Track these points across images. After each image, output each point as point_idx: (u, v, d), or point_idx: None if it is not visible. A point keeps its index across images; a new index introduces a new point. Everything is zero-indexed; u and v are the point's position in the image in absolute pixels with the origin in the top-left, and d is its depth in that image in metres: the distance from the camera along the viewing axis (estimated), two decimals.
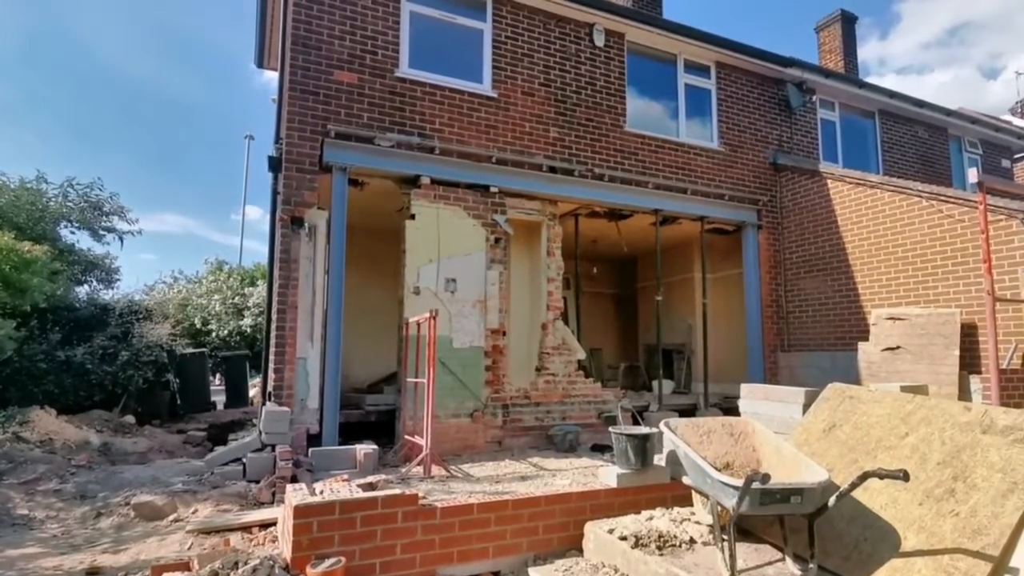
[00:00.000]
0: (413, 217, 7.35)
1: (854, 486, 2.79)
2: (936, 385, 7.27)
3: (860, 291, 8.77)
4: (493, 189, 7.82)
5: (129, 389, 8.29)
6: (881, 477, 2.72)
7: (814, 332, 9.44)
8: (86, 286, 11.90)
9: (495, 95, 8.01)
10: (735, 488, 2.82)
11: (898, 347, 7.79)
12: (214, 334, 15.80)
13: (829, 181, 9.30)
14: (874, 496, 3.21)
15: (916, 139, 12.08)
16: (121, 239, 12.50)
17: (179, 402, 10.14)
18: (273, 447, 5.63)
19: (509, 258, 8.49)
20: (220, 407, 11.83)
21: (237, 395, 12.00)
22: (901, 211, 8.27)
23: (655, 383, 10.00)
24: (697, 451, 3.53)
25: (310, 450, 6.23)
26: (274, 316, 6.64)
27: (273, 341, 6.57)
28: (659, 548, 3.37)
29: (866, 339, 8.22)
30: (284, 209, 6.71)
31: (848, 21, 13.99)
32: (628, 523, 3.70)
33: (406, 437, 6.77)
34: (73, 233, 12.12)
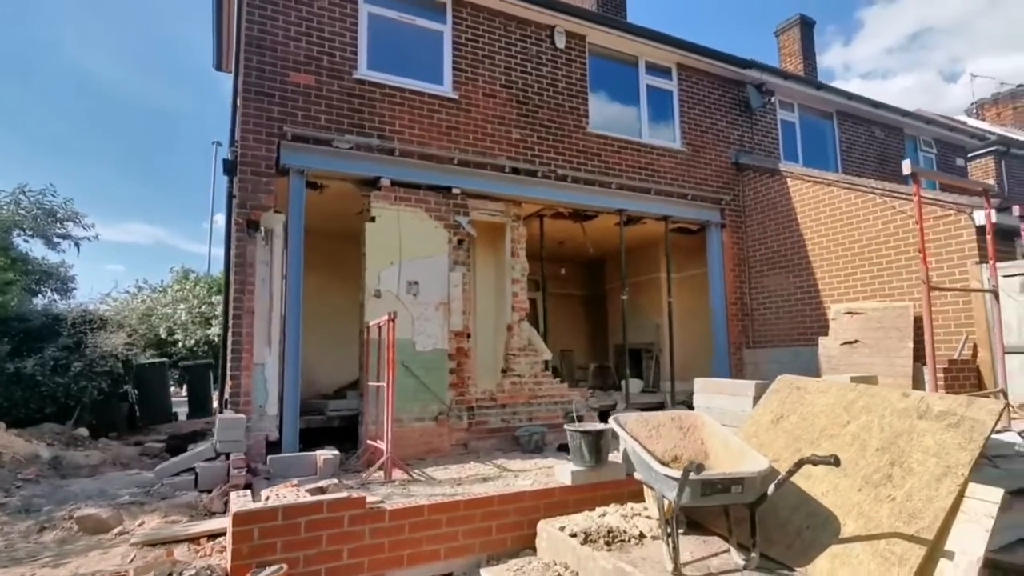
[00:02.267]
0: (373, 220, 7.27)
1: (790, 473, 2.81)
2: (892, 377, 7.43)
3: (820, 287, 8.93)
4: (455, 191, 7.78)
5: (83, 401, 8.02)
6: (815, 463, 2.75)
7: (777, 328, 9.58)
8: (41, 296, 11.53)
9: (456, 96, 7.98)
10: (676, 480, 2.82)
11: (856, 341, 7.94)
12: (180, 344, 15.44)
13: (789, 180, 9.47)
14: (816, 484, 3.24)
15: (873, 139, 12.39)
16: (77, 245, 12.16)
17: (138, 413, 9.86)
18: (228, 455, 5.49)
19: (473, 260, 8.45)
20: (183, 418, 11.54)
21: (200, 405, 11.71)
22: (857, 208, 8.45)
23: (624, 382, 10.04)
24: (646, 445, 3.53)
25: (269, 457, 6.09)
26: (230, 322, 6.50)
27: (229, 347, 6.43)
28: (608, 544, 3.36)
29: (826, 334, 8.37)
30: (239, 213, 6.58)
31: (807, 25, 14.31)
32: (580, 520, 3.68)
33: (368, 442, 6.67)
34: (27, 242, 11.76)
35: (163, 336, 15.57)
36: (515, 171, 8.25)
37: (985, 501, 2.64)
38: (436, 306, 7.49)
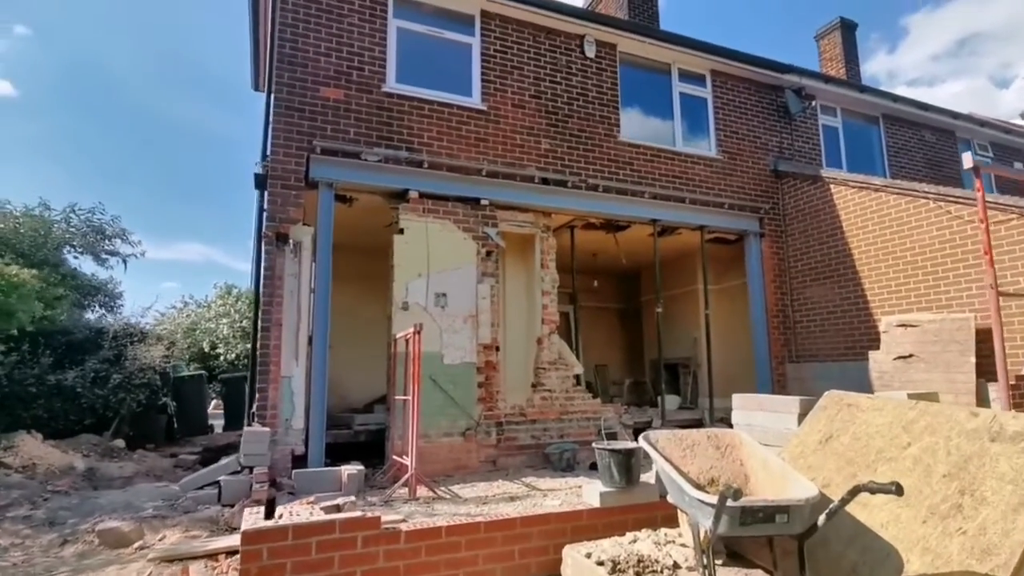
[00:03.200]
0: (402, 231, 7.21)
1: (844, 502, 2.52)
2: (952, 394, 6.90)
3: (869, 298, 8.44)
4: (484, 202, 7.67)
5: (120, 412, 8.17)
6: (872, 491, 2.45)
7: (823, 342, 9.09)
8: (90, 311, 11.92)
9: (485, 108, 7.91)
10: (712, 506, 2.56)
11: (911, 355, 7.43)
12: (222, 357, 15.80)
13: (832, 186, 9.04)
14: (874, 514, 2.92)
15: (923, 143, 11.78)
16: (125, 261, 12.56)
17: (176, 425, 10.00)
18: (252, 469, 5.43)
19: (503, 272, 8.32)
20: (219, 430, 11.68)
21: (236, 417, 11.83)
22: (908, 214, 7.97)
23: (660, 398, 9.69)
24: (679, 466, 3.28)
25: (293, 472, 6.01)
26: (259, 335, 6.50)
27: (257, 360, 6.42)
28: (638, 574, 3.10)
29: (877, 347, 7.87)
30: (269, 226, 6.61)
31: (848, 28, 13.82)
32: (607, 546, 3.43)
33: (394, 457, 6.54)
34: (76, 258, 12.20)
35: (206, 350, 15.96)
36: (544, 181, 8.09)
37: None
38: (464, 318, 7.35)
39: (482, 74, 8.01)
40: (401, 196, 7.30)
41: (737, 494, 2.34)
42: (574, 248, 9.22)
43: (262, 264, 6.55)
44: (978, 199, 3.46)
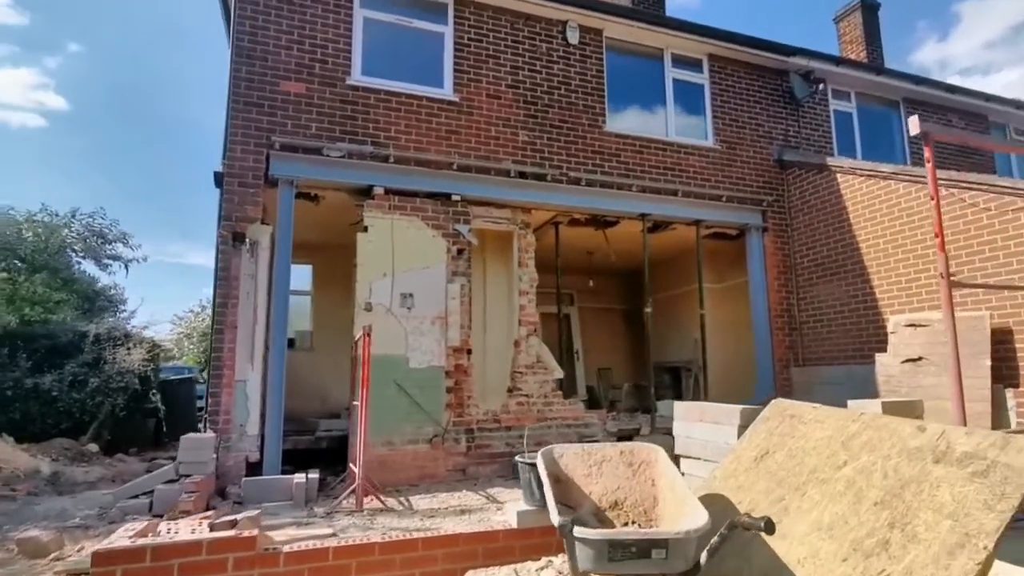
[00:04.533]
0: (366, 229, 6.93)
1: (723, 538, 2.07)
2: (966, 400, 6.19)
3: (878, 295, 7.74)
4: (455, 197, 7.33)
5: (98, 416, 8.13)
6: (746, 528, 1.99)
7: (830, 344, 8.41)
8: (92, 315, 12.06)
9: (457, 99, 7.57)
10: (579, 539, 2.15)
11: (920, 358, 6.74)
12: None
13: (839, 175, 8.36)
14: (793, 547, 2.44)
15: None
16: (126, 266, 12.70)
17: (164, 429, 9.98)
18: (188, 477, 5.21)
19: (483, 271, 8.02)
20: None
21: None
22: (918, 203, 7.27)
23: (662, 404, 9.17)
24: (583, 485, 2.86)
25: (243, 480, 5.79)
26: (213, 337, 6.31)
27: (211, 363, 6.22)
28: None
29: (885, 349, 7.19)
30: (225, 225, 6.41)
31: (869, 9, 12.95)
32: (506, 574, 3.02)
33: (350, 466, 6.24)
34: (79, 263, 12.39)
35: None
36: (522, 175, 7.70)
37: None
38: (432, 320, 7.02)
39: (455, 64, 7.68)
40: (366, 193, 7.03)
41: (576, 523, 1.93)
42: (559, 246, 8.79)
43: (217, 264, 6.36)
44: (928, 173, 2.90)
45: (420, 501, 5.79)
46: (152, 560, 2.90)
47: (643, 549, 2.13)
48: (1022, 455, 2.09)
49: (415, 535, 3.43)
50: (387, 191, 7.05)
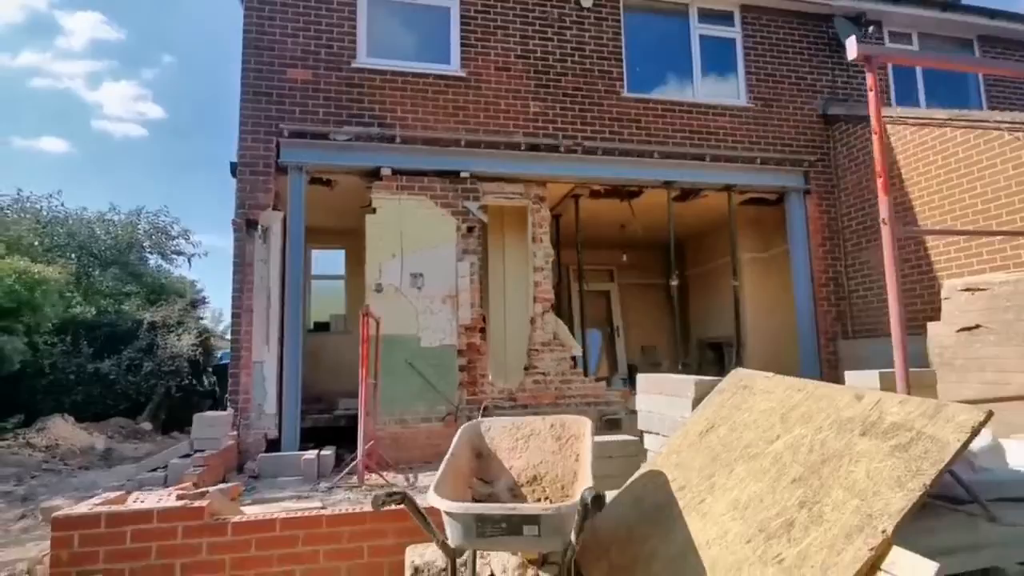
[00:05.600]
0: (374, 211, 6.99)
1: (583, 517, 1.88)
2: None
3: (932, 258, 6.97)
4: (464, 174, 7.24)
5: (153, 398, 8.78)
6: (583, 504, 1.80)
7: (881, 313, 7.66)
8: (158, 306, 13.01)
9: (464, 74, 7.44)
10: (448, 513, 2.04)
11: (977, 326, 5.99)
12: None
13: (888, 126, 7.53)
14: (708, 526, 2.21)
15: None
16: (189, 260, 13.59)
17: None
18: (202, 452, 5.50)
19: (501, 248, 7.97)
20: None
21: None
22: (977, 151, 6.43)
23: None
24: (506, 460, 2.73)
25: (259, 456, 6.07)
26: (232, 321, 6.60)
27: (230, 346, 6.52)
28: None
29: (939, 318, 6.46)
30: (238, 213, 6.67)
31: None
32: (433, 551, 2.95)
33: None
34: (149, 258, 13.38)
35: None
36: (533, 147, 7.49)
37: None
38: (443, 299, 7.01)
39: (462, 38, 7.54)
40: (375, 175, 7.08)
41: (491, 499, 1.83)
42: (578, 219, 8.50)
43: (232, 251, 6.63)
44: (871, 106, 2.42)
45: (427, 478, 5.82)
46: (107, 526, 3.06)
47: (514, 525, 1.98)
48: (949, 426, 1.77)
49: (366, 510, 3.43)
50: (394, 172, 7.07)
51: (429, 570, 2.70)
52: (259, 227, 6.65)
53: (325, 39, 7.15)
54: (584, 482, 2.31)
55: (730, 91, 8.39)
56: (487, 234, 8.35)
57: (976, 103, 9.31)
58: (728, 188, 8.20)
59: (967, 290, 6.22)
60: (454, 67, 7.47)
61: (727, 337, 10.21)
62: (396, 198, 7.04)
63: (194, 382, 9.62)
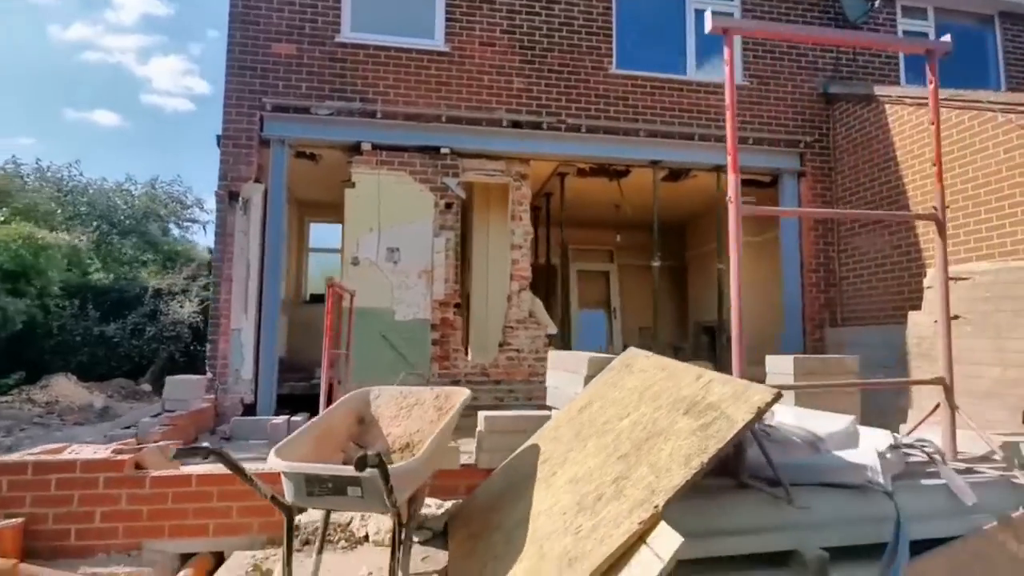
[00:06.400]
0: (353, 185, 7.09)
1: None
2: (1000, 367, 5.27)
3: (922, 245, 6.71)
4: (444, 150, 7.26)
5: (155, 361, 9.19)
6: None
7: (869, 302, 7.45)
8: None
9: (448, 49, 7.41)
10: (284, 473, 2.14)
11: (955, 316, 5.77)
12: None
13: (887, 106, 7.22)
14: (549, 497, 2.27)
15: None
16: (204, 228, 14.03)
17: None
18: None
19: (485, 224, 7.98)
20: None
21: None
22: (971, 133, 6.12)
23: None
24: (387, 428, 2.82)
25: (233, 419, 6.32)
26: (212, 289, 6.84)
27: (210, 313, 6.78)
28: (327, 538, 2.74)
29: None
30: (221, 184, 6.85)
31: None
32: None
33: None
34: (169, 227, 13.85)
35: None
36: (516, 124, 7.44)
37: (655, 556, 1.55)
38: (419, 274, 7.10)
39: (447, 13, 7.49)
40: (356, 149, 7.16)
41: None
42: (563, 198, 8.45)
43: (214, 222, 6.83)
44: (726, 79, 2.32)
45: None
46: (33, 474, 3.29)
47: (339, 486, 2.07)
48: (743, 406, 1.76)
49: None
50: (375, 147, 7.13)
51: (307, 528, 2.82)
52: (240, 199, 6.83)
53: (310, 13, 7.21)
54: (423, 449, 2.37)
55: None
56: (473, 212, 8.39)
57: (995, 83, 8.80)
58: (718, 169, 8.00)
59: (950, 279, 5.98)
60: (438, 42, 7.44)
61: (718, 321, 10.07)
62: (375, 173, 7.11)
63: (197, 348, 9.99)
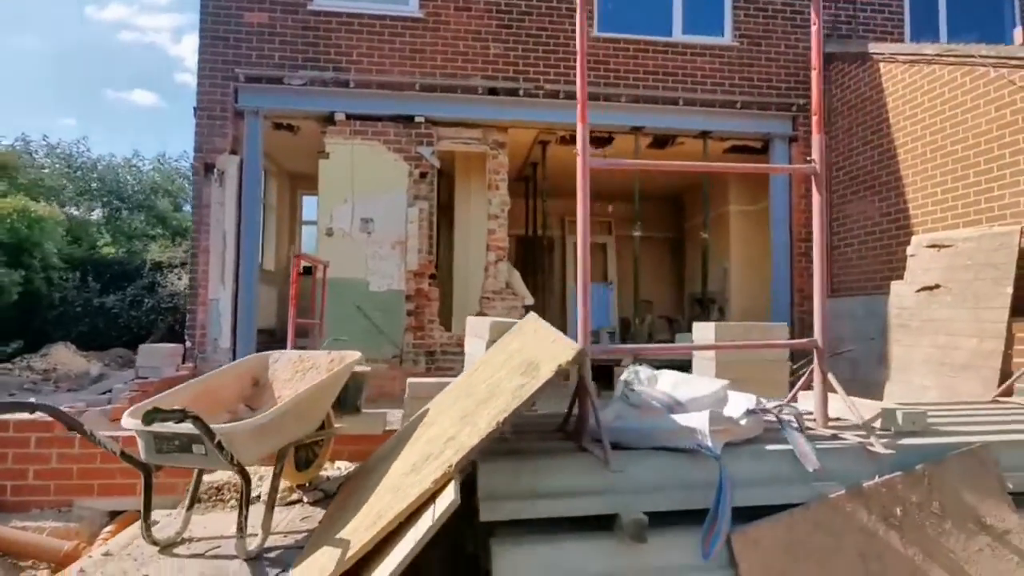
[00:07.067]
0: (327, 156, 7.08)
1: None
2: (977, 338, 5.03)
3: (911, 211, 6.40)
4: (418, 119, 7.18)
5: (153, 332, 9.47)
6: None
7: (859, 271, 7.17)
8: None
9: (422, 15, 7.27)
10: (136, 431, 2.18)
11: (937, 286, 5.53)
12: None
13: (881, 64, 6.83)
14: (405, 457, 2.25)
15: None
16: None
17: None
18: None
19: (467, 194, 7.91)
20: None
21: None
22: (963, 91, 5.75)
23: (681, 335, 8.66)
24: (278, 390, 2.85)
25: None
26: (190, 260, 6.97)
27: (188, 283, 6.91)
28: (218, 500, 2.80)
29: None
30: (196, 156, 6.92)
31: None
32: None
33: None
34: (177, 201, 14.14)
35: None
36: (492, 92, 7.30)
37: (431, 515, 1.52)
38: (393, 244, 7.10)
39: None
40: (330, 120, 7.13)
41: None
42: (544, 167, 8.29)
43: (191, 193, 6.92)
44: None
45: (366, 413, 6.08)
46: None
47: (184, 444, 2.09)
48: (552, 364, 1.70)
49: None
50: (348, 116, 7.09)
51: (209, 487, 2.88)
52: (215, 170, 6.89)
53: None
54: (275, 407, 2.37)
55: (714, 28, 7.79)
56: (454, 182, 8.32)
57: (1009, 37, 8.22)
58: (704, 135, 7.73)
59: (932, 246, 5.72)
60: (412, 8, 7.30)
61: (712, 292, 9.85)
62: (349, 143, 7.09)
63: None
